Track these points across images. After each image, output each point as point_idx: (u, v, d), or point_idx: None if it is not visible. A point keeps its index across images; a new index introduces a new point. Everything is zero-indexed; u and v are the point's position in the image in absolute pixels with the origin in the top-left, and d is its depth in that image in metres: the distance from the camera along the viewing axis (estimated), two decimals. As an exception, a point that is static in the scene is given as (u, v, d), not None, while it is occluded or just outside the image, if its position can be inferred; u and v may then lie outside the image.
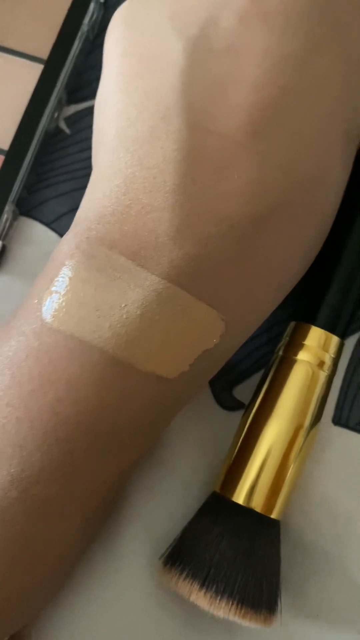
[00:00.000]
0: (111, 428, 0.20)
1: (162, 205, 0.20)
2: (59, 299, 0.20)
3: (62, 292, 0.20)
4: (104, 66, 0.24)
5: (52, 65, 0.30)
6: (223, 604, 0.21)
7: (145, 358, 0.20)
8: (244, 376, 0.28)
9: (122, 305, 0.20)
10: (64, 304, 0.20)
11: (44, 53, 0.30)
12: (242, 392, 0.28)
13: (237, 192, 0.20)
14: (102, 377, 0.20)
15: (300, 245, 0.22)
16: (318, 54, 0.21)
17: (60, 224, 0.29)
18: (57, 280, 0.20)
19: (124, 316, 0.20)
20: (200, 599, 0.22)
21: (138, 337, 0.20)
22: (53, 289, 0.20)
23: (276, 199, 0.21)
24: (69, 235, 0.21)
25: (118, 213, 0.21)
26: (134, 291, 0.20)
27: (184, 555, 0.23)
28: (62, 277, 0.20)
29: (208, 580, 0.22)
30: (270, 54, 0.21)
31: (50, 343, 0.20)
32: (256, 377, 0.28)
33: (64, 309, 0.20)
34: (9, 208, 0.28)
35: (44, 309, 0.20)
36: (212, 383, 0.28)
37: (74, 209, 0.29)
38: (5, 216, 0.28)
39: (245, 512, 0.23)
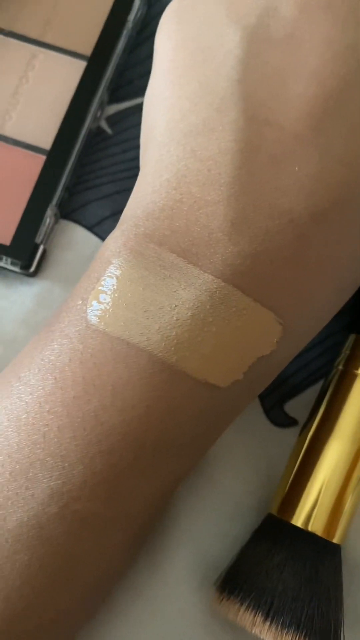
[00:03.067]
0: (158, 439, 0.19)
1: (216, 199, 0.19)
2: (105, 299, 0.19)
3: (109, 292, 0.19)
4: (155, 61, 0.23)
5: (96, 63, 0.29)
6: (290, 638, 0.20)
7: (196, 363, 0.19)
8: (296, 391, 0.27)
9: (172, 306, 0.19)
10: (110, 304, 0.19)
11: (87, 49, 0.29)
12: (293, 407, 0.26)
13: (296, 185, 0.19)
14: (150, 383, 0.19)
15: None
16: None
17: (102, 227, 0.28)
18: (104, 280, 0.19)
19: (174, 318, 0.19)
20: (265, 631, 0.20)
21: (189, 341, 0.19)
22: (99, 288, 0.19)
23: (338, 193, 0.20)
24: (116, 232, 0.20)
25: (168, 208, 0.20)
26: (185, 291, 0.19)
27: (243, 583, 0.21)
28: (109, 276, 0.19)
29: (273, 611, 0.20)
30: (332, 44, 0.20)
31: (95, 346, 0.19)
32: (309, 392, 0.27)
33: (110, 310, 0.19)
34: (50, 211, 0.27)
35: (88, 310, 0.19)
36: (262, 398, 0.26)
37: (117, 212, 0.29)
38: (47, 219, 0.27)
39: (307, 536, 0.22)
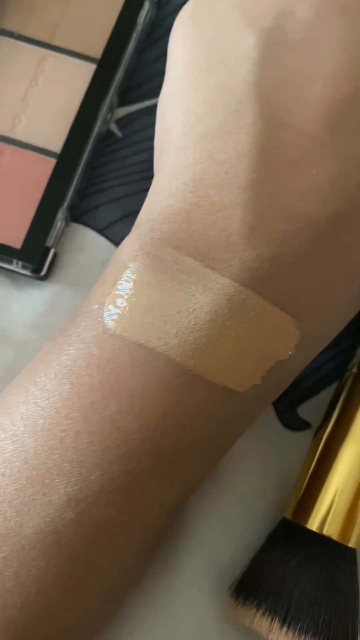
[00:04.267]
0: (175, 445, 0.19)
1: (233, 202, 0.19)
2: (122, 303, 0.19)
3: (126, 297, 0.19)
4: (169, 64, 0.23)
5: (105, 65, 0.28)
6: None
7: (215, 368, 0.19)
8: (309, 394, 0.27)
9: (190, 310, 0.19)
10: (127, 308, 0.19)
11: (97, 52, 0.29)
12: (307, 410, 0.26)
13: (314, 188, 0.19)
14: (168, 388, 0.19)
15: None
16: None
17: (112, 230, 0.28)
18: (120, 284, 0.19)
19: (192, 322, 0.19)
20: (282, 637, 0.20)
21: (207, 345, 0.19)
22: (116, 292, 0.19)
23: (355, 196, 0.20)
24: (131, 236, 0.20)
25: (185, 212, 0.19)
26: (203, 295, 0.19)
27: (259, 589, 0.21)
28: (126, 281, 0.19)
29: (290, 617, 0.20)
30: (349, 46, 0.20)
31: (112, 350, 0.19)
32: (322, 395, 0.26)
33: (128, 314, 0.19)
34: (61, 215, 0.27)
35: (105, 314, 0.19)
36: (275, 402, 0.26)
37: (127, 215, 0.28)
38: (58, 223, 0.27)
39: (322, 540, 0.22)
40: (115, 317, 0.19)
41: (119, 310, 0.19)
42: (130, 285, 0.19)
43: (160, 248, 0.19)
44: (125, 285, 0.19)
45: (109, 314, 0.19)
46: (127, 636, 0.23)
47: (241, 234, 0.19)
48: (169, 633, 0.24)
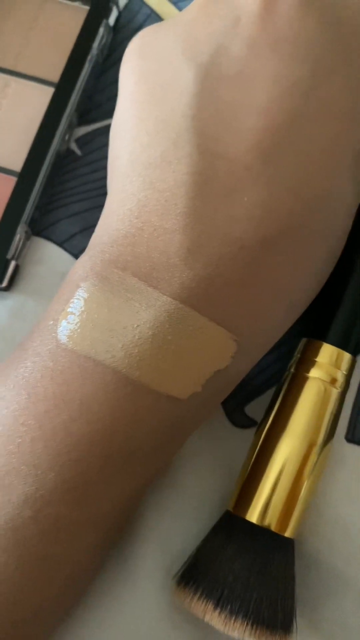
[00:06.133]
0: (124, 448, 0.20)
1: (173, 228, 0.21)
2: (74, 320, 0.20)
3: (77, 314, 0.21)
4: (119, 94, 0.24)
5: (62, 89, 0.30)
6: (238, 625, 0.21)
7: (158, 378, 0.20)
8: (255, 393, 0.28)
9: (135, 326, 0.20)
10: (78, 325, 0.20)
11: (55, 77, 0.30)
12: (254, 409, 0.28)
13: (246, 214, 0.21)
14: (115, 397, 0.20)
15: (310, 266, 0.22)
16: (326, 79, 0.22)
17: (72, 243, 0.30)
18: (72, 302, 0.21)
19: (137, 336, 0.20)
20: (215, 619, 0.21)
21: (150, 357, 0.20)
22: (68, 310, 0.21)
23: (285, 221, 0.21)
24: (83, 257, 0.22)
25: (130, 235, 0.21)
26: (146, 312, 0.20)
27: (198, 575, 0.23)
28: (77, 299, 0.21)
29: (222, 600, 0.22)
30: (280, 80, 0.21)
31: (64, 363, 0.20)
32: (268, 394, 0.28)
33: (79, 330, 0.20)
34: (21, 229, 0.29)
35: (59, 330, 0.21)
36: (224, 401, 0.28)
37: (86, 228, 0.30)
38: (18, 236, 0.29)
39: (259, 531, 0.23)
40: (67, 332, 0.20)
41: (70, 326, 0.20)
42: (82, 303, 0.21)
43: (108, 269, 0.21)
44: (77, 303, 0.21)
45: (62, 330, 0.21)
46: (81, 622, 0.24)
47: (180, 256, 0.20)
48: (122, 620, 0.25)
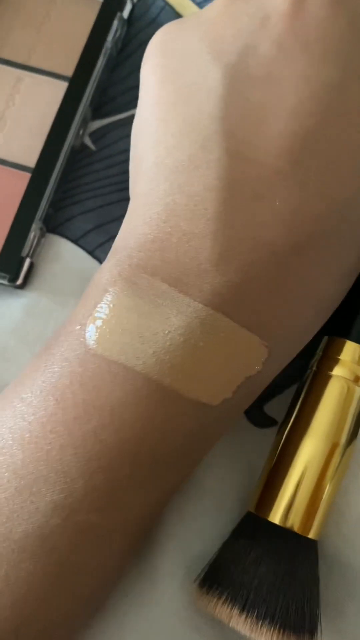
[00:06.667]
0: (153, 455, 0.20)
1: (203, 233, 0.20)
2: (102, 325, 0.20)
3: (106, 319, 0.20)
4: (141, 93, 0.24)
5: (76, 83, 0.29)
6: (265, 630, 0.21)
7: (189, 384, 0.20)
8: (275, 392, 0.28)
9: (166, 332, 0.20)
10: (107, 330, 0.20)
11: (69, 71, 0.30)
12: (273, 408, 0.27)
13: (277, 219, 0.21)
14: (146, 404, 0.20)
15: (340, 270, 0.22)
16: (356, 82, 0.21)
17: (86, 240, 0.29)
18: (100, 307, 0.20)
19: (168, 343, 0.20)
20: (241, 624, 0.21)
21: (181, 364, 0.20)
22: (96, 315, 0.20)
23: (315, 226, 0.21)
24: (110, 262, 0.21)
25: (159, 240, 0.21)
26: (177, 318, 0.20)
27: (222, 578, 0.22)
28: (105, 304, 0.20)
29: (248, 604, 0.21)
30: (310, 82, 0.21)
31: (94, 369, 0.20)
32: (287, 393, 0.28)
33: (108, 335, 0.20)
34: (36, 226, 0.28)
35: (87, 335, 0.20)
36: None
37: (100, 225, 0.30)
38: (32, 234, 0.28)
39: (283, 532, 0.23)
40: (96, 337, 0.20)
41: (99, 331, 0.20)
42: (110, 308, 0.20)
43: (137, 274, 0.20)
44: (105, 308, 0.20)
45: (90, 335, 0.20)
46: (101, 624, 0.24)
47: (211, 262, 0.20)
48: (142, 621, 0.25)
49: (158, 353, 0.20)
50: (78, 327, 0.21)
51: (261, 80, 0.21)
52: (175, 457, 0.21)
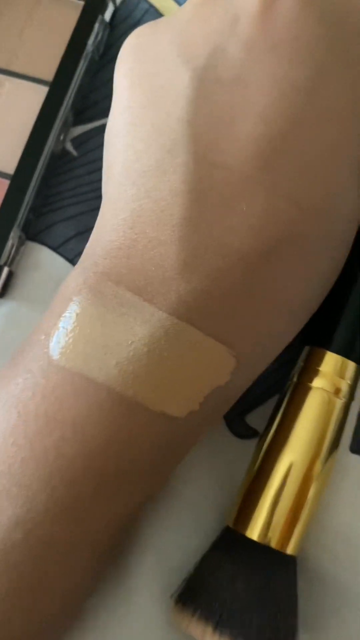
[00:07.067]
0: (118, 469, 0.20)
1: (168, 239, 0.20)
2: (66, 335, 0.20)
3: (69, 329, 0.20)
4: (114, 98, 0.23)
5: (57, 87, 0.29)
6: None
7: (153, 396, 0.20)
8: (256, 403, 0.27)
9: (129, 342, 0.19)
10: (70, 340, 0.20)
11: (50, 75, 0.29)
12: (255, 419, 0.27)
13: (244, 224, 0.20)
14: (109, 416, 0.19)
15: (312, 275, 0.21)
16: (326, 84, 0.21)
17: (67, 247, 0.29)
18: (64, 317, 0.20)
19: (131, 353, 0.19)
20: None
21: (145, 375, 0.19)
22: (60, 325, 0.20)
23: (285, 231, 0.20)
24: (76, 270, 0.21)
25: (125, 247, 0.20)
26: (141, 327, 0.19)
27: (197, 595, 0.22)
28: (69, 313, 0.20)
29: (221, 623, 0.21)
30: (279, 84, 0.21)
31: (56, 381, 0.20)
32: (269, 404, 0.27)
33: (71, 346, 0.20)
34: (14, 234, 0.28)
35: (50, 345, 0.20)
36: None
37: (81, 232, 0.29)
38: (10, 242, 0.28)
39: (260, 549, 0.22)
40: (59, 348, 0.20)
41: (63, 342, 0.20)
42: (74, 317, 0.20)
43: (102, 282, 0.20)
44: (69, 318, 0.20)
45: (54, 346, 0.20)
46: (75, 637, 0.24)
47: (176, 269, 0.20)
48: (119, 634, 0.24)
49: (121, 364, 0.19)
50: (43, 337, 0.20)
51: (230, 83, 0.21)
52: (142, 470, 0.20)
